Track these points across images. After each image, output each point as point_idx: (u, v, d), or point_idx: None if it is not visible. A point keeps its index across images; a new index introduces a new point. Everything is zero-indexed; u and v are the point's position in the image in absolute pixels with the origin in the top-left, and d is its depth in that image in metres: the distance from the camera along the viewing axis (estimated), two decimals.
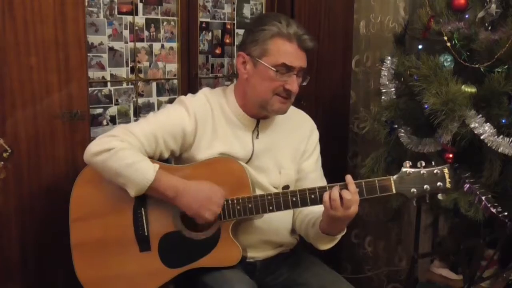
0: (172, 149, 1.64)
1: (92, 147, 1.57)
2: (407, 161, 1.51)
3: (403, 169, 1.51)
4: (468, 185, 1.80)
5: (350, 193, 1.47)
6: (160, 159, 1.65)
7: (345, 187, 1.50)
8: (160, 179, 1.54)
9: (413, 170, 1.50)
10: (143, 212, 1.60)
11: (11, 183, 1.65)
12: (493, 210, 1.74)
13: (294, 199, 1.54)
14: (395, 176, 1.50)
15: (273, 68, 1.59)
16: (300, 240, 1.81)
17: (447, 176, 1.49)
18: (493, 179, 1.82)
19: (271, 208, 1.55)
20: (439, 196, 1.52)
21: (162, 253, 1.60)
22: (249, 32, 1.66)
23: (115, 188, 1.57)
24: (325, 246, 1.64)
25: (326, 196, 1.48)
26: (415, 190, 1.49)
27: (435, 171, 1.49)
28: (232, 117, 1.68)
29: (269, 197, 1.56)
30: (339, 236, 1.61)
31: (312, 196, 1.53)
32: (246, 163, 1.65)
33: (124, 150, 1.54)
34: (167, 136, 1.61)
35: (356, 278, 2.67)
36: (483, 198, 1.76)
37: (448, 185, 1.49)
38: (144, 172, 1.52)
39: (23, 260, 1.73)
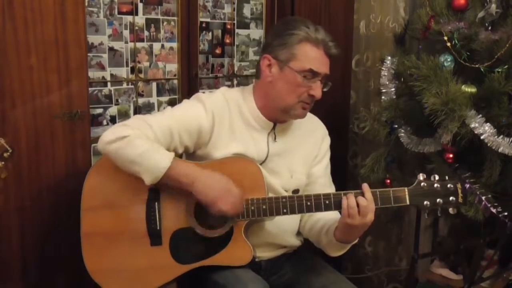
0: (187, 145, 1.63)
1: (107, 136, 1.56)
2: (420, 174, 1.54)
3: (418, 181, 1.53)
4: (468, 185, 1.80)
5: (367, 201, 1.48)
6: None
7: (361, 194, 1.50)
8: (176, 166, 1.52)
9: (427, 182, 1.53)
10: (156, 207, 1.60)
11: (11, 183, 1.65)
12: (493, 210, 1.74)
13: (308, 203, 1.55)
14: (409, 188, 1.53)
15: (300, 74, 1.58)
16: (303, 241, 1.82)
17: (459, 191, 1.52)
18: (493, 179, 1.82)
19: (285, 211, 1.55)
20: (450, 210, 1.53)
21: (173, 248, 1.59)
22: (275, 35, 1.64)
23: (130, 180, 1.57)
24: (337, 253, 1.65)
25: (344, 203, 1.48)
26: (428, 203, 1.52)
27: (448, 185, 1.52)
28: (250, 118, 1.67)
29: (284, 200, 1.56)
30: (351, 244, 1.61)
31: (327, 202, 1.54)
32: (260, 165, 1.65)
33: (139, 138, 1.53)
34: (183, 132, 1.61)
35: (356, 278, 2.67)
36: (483, 198, 1.76)
37: (460, 199, 1.52)
38: (160, 159, 1.52)
39: (23, 260, 1.73)
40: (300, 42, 1.59)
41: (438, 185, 1.52)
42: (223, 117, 1.65)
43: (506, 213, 1.72)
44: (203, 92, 1.71)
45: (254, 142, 1.67)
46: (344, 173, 2.69)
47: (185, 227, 1.60)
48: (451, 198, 1.52)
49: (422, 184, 1.53)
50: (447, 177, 1.54)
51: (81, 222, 1.60)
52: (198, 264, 1.59)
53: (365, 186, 1.51)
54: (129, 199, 1.60)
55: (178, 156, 1.65)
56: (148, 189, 1.59)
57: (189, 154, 1.70)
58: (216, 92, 1.70)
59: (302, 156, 1.74)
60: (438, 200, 1.52)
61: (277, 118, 1.68)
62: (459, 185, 1.53)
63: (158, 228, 1.60)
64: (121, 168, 1.56)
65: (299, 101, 1.61)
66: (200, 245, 1.59)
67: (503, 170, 1.83)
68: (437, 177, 1.53)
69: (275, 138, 1.69)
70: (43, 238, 1.75)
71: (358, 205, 1.48)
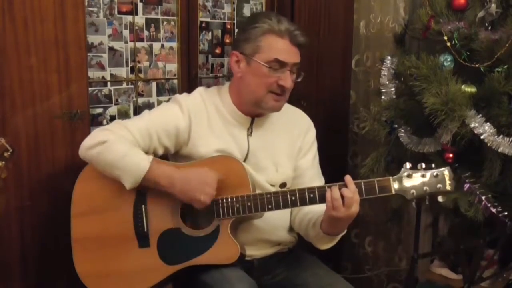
0: (166, 146, 1.66)
1: (87, 142, 1.59)
2: (407, 163, 1.51)
3: (403, 170, 1.51)
4: (468, 185, 1.80)
5: (351, 192, 1.47)
6: (155, 155, 1.65)
7: (345, 186, 1.49)
8: (154, 169, 1.55)
9: (412, 171, 1.50)
10: (143, 209, 1.61)
11: (11, 183, 1.65)
12: (493, 210, 1.74)
13: (293, 198, 1.54)
14: (394, 177, 1.50)
15: (266, 65, 1.60)
16: (299, 239, 1.81)
17: (447, 178, 1.49)
18: (493, 179, 1.82)
19: (270, 206, 1.55)
20: (439, 198, 1.52)
21: (161, 249, 1.60)
22: (241, 31, 1.69)
23: (117, 185, 1.58)
24: (325, 246, 1.65)
25: (328, 196, 1.48)
26: (414, 192, 1.49)
27: (435, 173, 1.49)
28: (227, 115, 1.69)
29: (268, 195, 1.56)
30: (339, 236, 1.61)
31: (311, 196, 1.53)
32: (243, 161, 1.66)
33: (118, 142, 1.56)
34: (161, 132, 1.63)
35: (356, 278, 2.67)
36: (483, 198, 1.76)
37: (448, 187, 1.49)
38: (138, 163, 1.54)
39: (23, 260, 1.73)
40: (263, 34, 1.61)
41: (424, 173, 1.49)
42: (201, 116, 1.67)
43: (506, 213, 1.72)
44: (181, 94, 1.73)
45: (234, 138, 1.68)
46: (344, 173, 2.67)
47: (172, 228, 1.61)
48: (438, 185, 1.48)
49: (407, 173, 1.50)
50: (433, 165, 1.51)
51: (71, 228, 1.62)
52: (185, 265, 1.59)
53: (347, 178, 1.50)
54: (117, 203, 1.62)
55: (159, 158, 1.66)
56: (136, 192, 1.60)
57: (173, 155, 1.72)
58: (194, 93, 1.73)
59: (286, 149, 1.75)
60: (424, 188, 1.48)
61: (252, 112, 1.69)
62: (446, 172, 1.49)
63: (145, 230, 1.61)
64: (103, 172, 1.59)
65: (269, 92, 1.62)
66: (187, 245, 1.60)
67: (503, 170, 1.83)
68: (423, 165, 1.50)
69: (251, 133, 1.70)
70: (43, 238, 1.75)
71: (342, 197, 1.47)
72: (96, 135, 1.60)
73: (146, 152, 1.62)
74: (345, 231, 1.60)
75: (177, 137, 1.66)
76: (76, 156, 1.75)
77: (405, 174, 1.50)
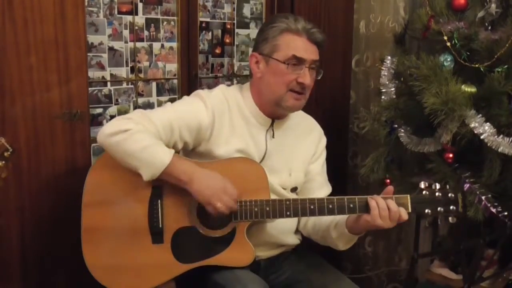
0: (186, 141, 1.63)
1: (108, 128, 1.55)
2: (422, 182, 1.56)
3: (420, 189, 1.54)
4: (468, 185, 1.80)
5: (396, 206, 1.50)
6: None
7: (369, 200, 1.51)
8: (175, 163, 1.53)
9: (428, 191, 1.54)
10: (159, 204, 1.60)
11: (11, 183, 1.65)
12: (493, 210, 1.74)
13: (312, 207, 1.55)
14: (412, 196, 1.54)
15: (284, 62, 1.60)
16: (302, 239, 1.82)
17: (460, 200, 1.54)
18: (493, 179, 1.82)
19: (288, 213, 1.56)
20: (450, 219, 1.55)
21: (175, 247, 1.59)
22: (260, 32, 1.69)
23: (132, 177, 1.56)
24: (348, 245, 1.67)
25: (373, 204, 1.49)
26: (429, 211, 1.53)
27: (449, 195, 1.54)
28: (248, 115, 1.69)
29: (288, 202, 1.56)
30: (360, 234, 1.63)
31: (330, 206, 1.54)
32: (260, 162, 1.65)
33: (140, 132, 1.53)
34: (183, 127, 1.61)
35: (356, 278, 2.67)
36: (483, 198, 1.76)
37: (460, 209, 1.54)
38: (160, 155, 1.52)
39: (23, 260, 1.73)
40: (281, 34, 1.62)
41: (440, 194, 1.54)
42: (223, 114, 1.66)
43: (506, 213, 1.72)
44: (202, 89, 1.72)
45: (253, 139, 1.68)
46: (344, 173, 2.69)
47: (187, 226, 1.60)
48: (451, 207, 1.53)
49: (424, 192, 1.54)
50: (448, 186, 1.56)
51: (81, 217, 1.59)
52: (199, 264, 1.59)
53: (388, 190, 1.54)
54: (132, 196, 1.60)
55: (177, 152, 1.65)
56: (152, 186, 1.58)
57: (189, 152, 1.69)
58: (215, 90, 1.71)
59: (301, 154, 1.75)
60: (439, 208, 1.53)
61: (273, 113, 1.69)
62: (460, 195, 1.54)
63: (160, 226, 1.59)
64: (119, 161, 1.56)
65: (288, 90, 1.62)
66: (202, 244, 1.59)
67: (503, 170, 1.83)
68: (438, 186, 1.54)
69: (273, 135, 1.70)
70: (43, 238, 1.75)
71: (388, 208, 1.49)
72: (118, 122, 1.56)
73: (166, 145, 1.59)
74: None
75: (198, 133, 1.63)
76: (76, 156, 1.75)
77: (422, 193, 1.54)
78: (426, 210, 1.53)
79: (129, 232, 1.60)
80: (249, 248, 1.58)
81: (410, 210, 1.53)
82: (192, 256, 1.59)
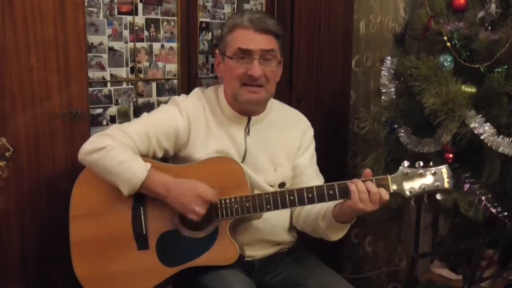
0: (166, 148, 1.66)
1: (86, 146, 1.59)
2: (405, 161, 1.52)
3: (401, 169, 1.51)
4: (468, 185, 1.80)
5: (375, 187, 1.47)
6: (154, 158, 1.66)
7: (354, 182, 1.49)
8: (151, 177, 1.55)
9: (410, 169, 1.50)
10: (141, 211, 1.61)
11: (11, 183, 1.65)
12: (493, 210, 1.74)
13: (291, 198, 1.54)
14: (392, 176, 1.51)
15: (233, 57, 1.62)
16: (299, 239, 1.82)
17: (445, 176, 1.49)
18: (493, 179, 1.82)
19: (268, 207, 1.55)
20: (438, 196, 1.51)
21: (160, 251, 1.60)
22: (219, 34, 1.75)
23: (115, 187, 1.58)
24: (339, 235, 1.64)
25: (353, 188, 1.47)
26: (412, 190, 1.49)
27: (433, 171, 1.49)
28: (224, 115, 1.71)
29: (267, 195, 1.56)
30: (350, 224, 1.61)
31: (310, 195, 1.53)
32: (241, 161, 1.66)
33: (117, 149, 1.56)
34: (160, 135, 1.63)
35: (356, 278, 2.67)
36: (483, 198, 1.76)
37: (446, 185, 1.49)
38: (135, 170, 1.54)
39: (23, 260, 1.73)
40: (230, 31, 1.65)
41: (422, 171, 1.49)
42: (199, 117, 1.68)
43: (506, 213, 1.72)
44: (179, 95, 1.75)
45: (231, 138, 1.69)
46: (344, 173, 2.69)
47: (170, 230, 1.61)
48: (436, 183, 1.49)
49: (405, 171, 1.50)
50: (431, 163, 1.51)
51: (69, 231, 1.62)
52: (184, 266, 1.59)
53: (366, 173, 1.52)
54: (116, 205, 1.62)
55: (162, 160, 1.67)
56: (134, 194, 1.59)
57: (172, 157, 1.72)
58: (190, 94, 1.75)
59: (284, 148, 1.75)
60: (422, 186, 1.49)
61: (242, 110, 1.70)
62: (444, 170, 1.49)
63: (144, 232, 1.60)
64: (101, 177, 1.59)
65: (242, 84, 1.63)
66: (186, 246, 1.59)
67: (503, 170, 1.83)
68: (421, 163, 1.50)
69: (248, 132, 1.70)
70: (42, 238, 1.75)
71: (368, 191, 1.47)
72: (95, 140, 1.60)
73: (146, 155, 1.62)
74: (355, 217, 1.59)
75: (176, 139, 1.66)
76: (76, 156, 1.75)
77: (403, 172, 1.50)
78: (409, 189, 1.49)
79: (115, 241, 1.61)
80: (233, 246, 1.57)
81: (391, 191, 1.49)
82: (177, 259, 1.59)
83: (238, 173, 1.60)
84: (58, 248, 1.76)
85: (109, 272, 1.61)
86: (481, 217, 1.79)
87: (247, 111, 1.70)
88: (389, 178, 1.50)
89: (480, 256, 2.11)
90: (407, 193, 1.50)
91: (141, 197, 1.61)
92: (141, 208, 1.61)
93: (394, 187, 1.50)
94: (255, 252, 1.71)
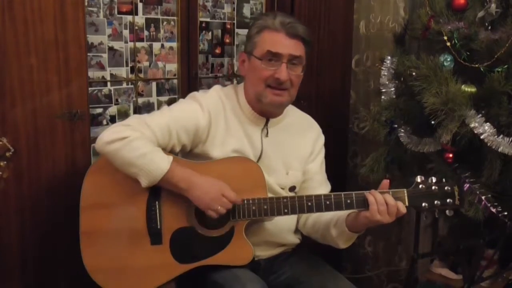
0: (184, 144, 1.65)
1: (106, 136, 1.56)
2: (419, 176, 1.56)
3: (416, 183, 1.54)
4: (468, 185, 1.80)
5: (393, 200, 1.49)
6: (172, 153, 1.64)
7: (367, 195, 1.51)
8: (173, 171, 1.54)
9: (425, 184, 1.54)
10: (157, 205, 1.60)
11: (11, 183, 1.65)
12: (493, 210, 1.74)
13: (309, 203, 1.55)
14: (408, 190, 1.54)
15: (260, 58, 1.62)
16: (302, 240, 1.82)
17: (456, 193, 1.54)
18: (493, 179, 1.82)
19: (286, 211, 1.56)
20: (447, 212, 1.55)
21: (174, 247, 1.59)
22: (247, 32, 1.72)
23: (130, 179, 1.57)
24: (348, 243, 1.66)
25: (372, 200, 1.49)
26: (426, 205, 1.54)
27: (446, 188, 1.54)
28: (243, 115, 1.70)
29: (285, 200, 1.56)
30: (360, 233, 1.63)
31: (327, 203, 1.55)
32: (256, 162, 1.66)
33: (138, 140, 1.54)
34: (180, 130, 1.62)
35: (356, 278, 2.67)
36: (483, 198, 1.76)
37: (457, 202, 1.54)
38: (158, 162, 1.53)
39: (23, 260, 1.73)
40: (260, 32, 1.64)
41: (436, 187, 1.54)
42: (219, 115, 1.67)
43: (506, 213, 1.72)
44: (198, 91, 1.73)
45: (248, 138, 1.68)
46: (344, 173, 2.69)
47: (186, 226, 1.60)
48: (448, 200, 1.54)
49: (420, 186, 1.54)
50: (444, 180, 1.56)
51: (80, 220, 1.59)
52: (198, 264, 1.59)
53: (384, 184, 1.54)
54: (130, 198, 1.60)
55: (175, 155, 1.65)
56: (149, 187, 1.58)
57: (186, 153, 1.70)
58: (210, 91, 1.73)
59: (297, 152, 1.75)
60: (435, 202, 1.54)
61: (263, 111, 1.69)
62: (456, 188, 1.55)
63: (158, 227, 1.59)
64: (118, 168, 1.56)
65: (266, 86, 1.63)
66: (201, 244, 1.59)
67: (503, 170, 1.83)
68: (434, 179, 1.55)
69: (267, 134, 1.70)
70: (42, 238, 1.75)
71: (386, 203, 1.49)
72: (116, 130, 1.57)
73: (164, 149, 1.60)
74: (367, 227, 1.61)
75: (195, 135, 1.64)
76: (76, 156, 1.75)
77: (418, 187, 1.54)
78: (423, 204, 1.53)
79: (127, 234, 1.60)
80: (248, 247, 1.59)
81: (407, 204, 1.53)
82: (191, 256, 1.59)
83: (258, 175, 1.60)
84: (58, 248, 1.76)
85: (120, 265, 1.59)
86: (481, 217, 1.79)
87: (266, 113, 1.70)
88: (405, 192, 1.54)
89: (480, 256, 2.11)
90: (421, 208, 1.53)
91: (157, 191, 1.59)
92: (157, 202, 1.60)
93: (409, 200, 1.53)
94: (262, 252, 1.71)
